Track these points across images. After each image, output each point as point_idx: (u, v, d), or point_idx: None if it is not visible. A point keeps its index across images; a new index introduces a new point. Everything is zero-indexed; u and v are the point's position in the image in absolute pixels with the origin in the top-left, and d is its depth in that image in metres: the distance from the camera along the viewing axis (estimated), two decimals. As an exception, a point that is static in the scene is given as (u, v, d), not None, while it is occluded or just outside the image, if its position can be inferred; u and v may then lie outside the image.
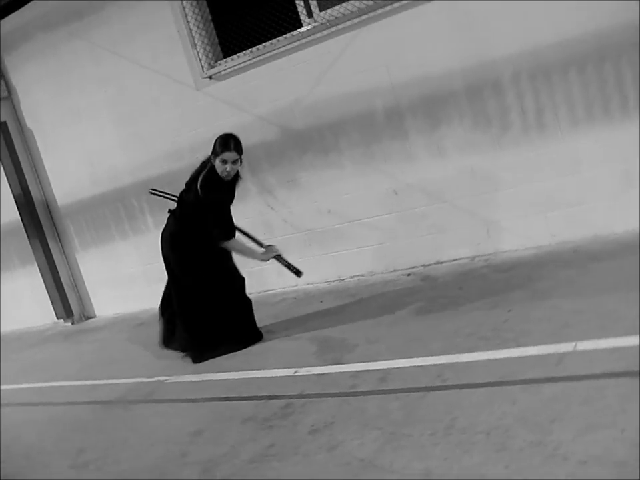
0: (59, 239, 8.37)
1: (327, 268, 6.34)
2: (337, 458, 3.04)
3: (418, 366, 3.80)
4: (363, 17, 5.65)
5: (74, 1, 7.06)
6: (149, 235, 7.54)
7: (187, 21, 6.47)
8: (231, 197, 4.91)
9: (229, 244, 4.88)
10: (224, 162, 4.66)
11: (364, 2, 5.57)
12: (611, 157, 4.98)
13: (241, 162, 4.78)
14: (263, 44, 6.18)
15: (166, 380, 4.98)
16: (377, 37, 5.64)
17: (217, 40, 6.64)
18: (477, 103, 5.37)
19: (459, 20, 5.30)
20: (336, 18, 5.74)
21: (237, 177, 4.91)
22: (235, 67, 6.37)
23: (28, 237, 8.26)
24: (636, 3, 4.62)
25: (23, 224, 8.26)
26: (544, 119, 5.16)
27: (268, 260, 5.07)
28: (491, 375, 3.38)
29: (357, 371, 4.00)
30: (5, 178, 8.14)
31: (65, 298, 8.35)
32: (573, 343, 3.42)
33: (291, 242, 6.29)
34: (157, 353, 5.63)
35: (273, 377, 4.31)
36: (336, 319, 5.19)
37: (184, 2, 6.44)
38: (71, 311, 8.40)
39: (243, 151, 4.77)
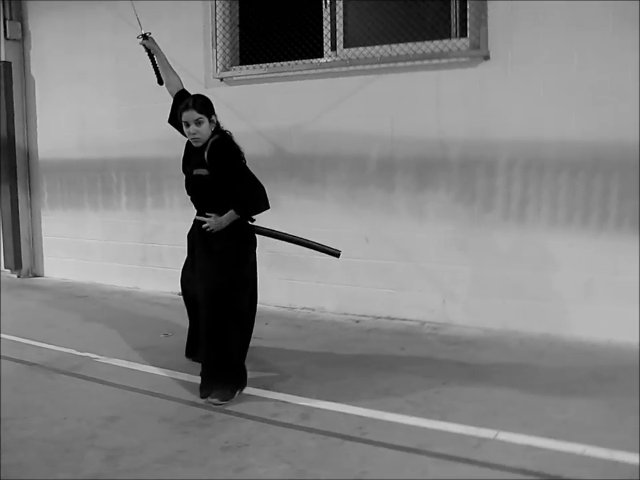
0: (30, 191, 8.31)
1: (281, 293, 6.37)
2: (241, 480, 3.06)
3: (342, 412, 3.83)
4: (383, 65, 5.76)
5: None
6: (119, 212, 7.55)
7: (215, 19, 6.56)
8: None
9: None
10: (186, 124, 4.13)
11: (388, 52, 5.69)
12: (579, 263, 5.11)
13: (210, 122, 4.16)
14: (281, 62, 6.26)
15: (95, 358, 4.96)
16: (390, 87, 5.76)
17: (238, 45, 6.72)
18: (467, 177, 5.49)
19: (471, 92, 5.43)
20: (357, 58, 5.85)
21: (220, 145, 4.19)
22: (248, 77, 6.45)
23: (-1, 182, 8.20)
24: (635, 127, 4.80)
25: (-3, 167, 8.19)
26: (526, 210, 5.29)
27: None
28: (409, 440, 3.42)
29: (282, 401, 4.02)
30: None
31: (19, 250, 8.26)
32: (495, 431, 3.48)
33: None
34: (93, 329, 5.59)
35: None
36: (276, 345, 5.22)
37: (214, 1, 6.53)
38: (21, 264, 8.31)
39: (213, 110, 4.22)
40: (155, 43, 4.75)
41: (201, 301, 4.22)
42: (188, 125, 4.14)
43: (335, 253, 4.88)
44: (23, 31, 8.05)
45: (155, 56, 4.76)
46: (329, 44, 6.07)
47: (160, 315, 6.24)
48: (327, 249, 4.88)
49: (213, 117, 4.22)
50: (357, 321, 5.90)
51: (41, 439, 3.55)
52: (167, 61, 4.74)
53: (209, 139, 4.18)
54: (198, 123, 4.11)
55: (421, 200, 5.69)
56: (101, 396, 4.25)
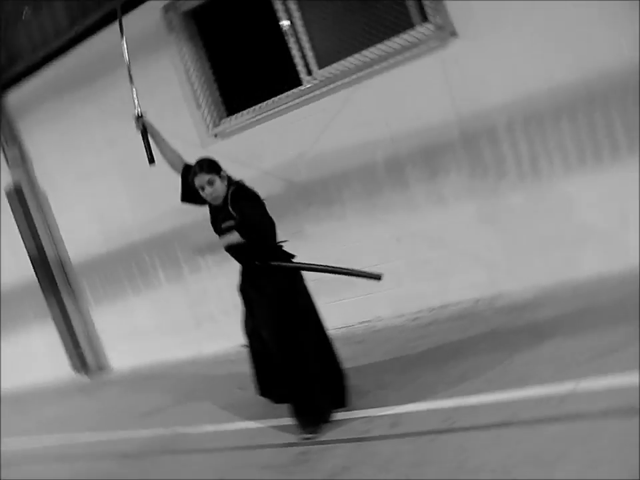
0: (74, 295, 8.57)
1: (334, 316, 6.46)
2: (354, 502, 3.20)
3: (427, 410, 3.96)
4: (360, 74, 5.91)
5: (83, 67, 7.39)
6: (161, 288, 7.76)
7: (191, 83, 6.77)
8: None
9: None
10: (201, 189, 4.38)
11: (361, 59, 5.84)
12: (604, 199, 5.17)
13: (221, 178, 4.37)
14: (265, 102, 6.45)
15: (183, 431, 5.13)
16: (374, 92, 5.88)
17: (220, 99, 6.92)
18: (473, 152, 5.60)
19: (453, 73, 5.54)
20: (334, 75, 6.01)
21: (238, 194, 4.41)
22: (239, 125, 6.64)
23: (43, 293, 8.48)
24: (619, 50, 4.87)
25: (39, 281, 8.48)
26: (539, 165, 5.37)
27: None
28: (496, 416, 3.54)
29: (369, 417, 4.16)
30: (22, 239, 8.38)
31: (80, 351, 8.52)
32: (574, 383, 3.58)
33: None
34: (173, 404, 5.77)
35: (287, 425, 4.45)
36: (346, 366, 5.33)
37: (187, 64, 6.74)
38: (87, 364, 8.57)
39: (220, 167, 4.44)
40: (150, 123, 4.85)
41: (271, 344, 4.39)
42: (203, 189, 4.36)
43: (376, 277, 4.59)
44: (22, 154, 8.35)
45: (150, 135, 4.83)
46: (304, 70, 6.23)
47: (230, 371, 6.40)
48: (366, 274, 4.69)
49: (222, 173, 4.42)
50: (414, 319, 6.00)
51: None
52: (162, 138, 4.87)
53: (226, 193, 4.38)
54: (210, 183, 4.33)
55: (437, 187, 5.80)
56: (201, 463, 4.42)
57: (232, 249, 4.48)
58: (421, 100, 5.71)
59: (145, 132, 4.82)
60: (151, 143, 4.84)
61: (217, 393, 5.84)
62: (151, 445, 5.09)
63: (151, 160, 4.83)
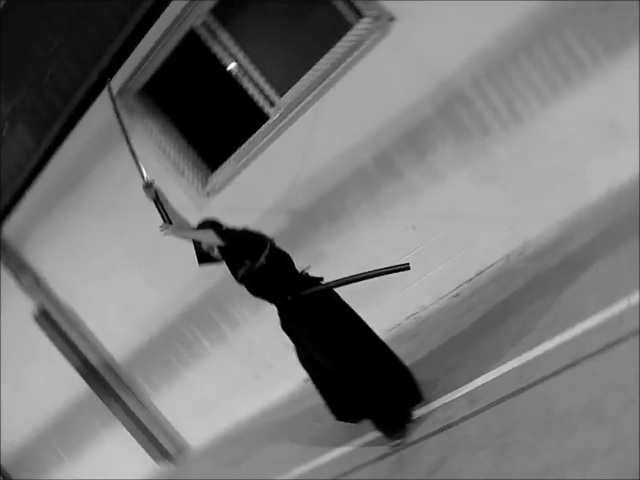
0: (131, 390, 8.64)
1: (380, 319, 6.51)
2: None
3: (497, 376, 3.99)
4: (320, 87, 5.98)
5: (63, 177, 7.52)
6: (209, 355, 7.83)
7: (167, 154, 6.87)
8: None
9: None
10: (211, 250, 4.54)
11: (315, 74, 5.92)
12: (589, 116, 5.19)
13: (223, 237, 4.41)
14: (242, 147, 6.53)
15: (279, 478, 5.17)
16: (340, 99, 5.94)
17: (199, 159, 7.01)
18: (451, 120, 5.64)
19: (404, 51, 5.59)
20: (296, 98, 6.08)
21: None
22: (226, 177, 6.72)
23: (102, 400, 8.56)
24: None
25: (94, 390, 8.57)
26: (516, 107, 5.40)
27: None
28: (563, 359, 3.57)
29: (446, 403, 4.19)
30: (62, 356, 8.50)
31: (157, 441, 8.58)
32: (626, 300, 3.60)
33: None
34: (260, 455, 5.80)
35: (374, 438, 4.48)
36: (408, 363, 5.36)
37: (158, 138, 6.84)
38: (167, 452, 8.61)
39: (219, 224, 4.63)
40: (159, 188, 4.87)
41: (330, 368, 4.45)
42: (213, 249, 4.51)
43: (404, 267, 4.62)
44: (35, 276, 8.46)
45: (160, 203, 4.82)
46: (267, 103, 6.32)
47: (303, 408, 6.42)
48: (395, 268, 4.69)
49: (224, 228, 4.53)
50: (455, 296, 6.03)
51: None
52: (171, 206, 4.90)
53: None
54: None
55: (430, 165, 5.84)
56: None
57: (262, 292, 4.56)
58: (385, 90, 5.77)
59: (157, 198, 4.82)
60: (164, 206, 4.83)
61: (298, 433, 5.87)
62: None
63: (169, 221, 4.77)
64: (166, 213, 4.81)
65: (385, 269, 4.71)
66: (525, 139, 5.46)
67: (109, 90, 5.48)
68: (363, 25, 5.67)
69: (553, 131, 5.36)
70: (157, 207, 4.82)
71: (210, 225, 4.55)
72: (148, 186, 4.83)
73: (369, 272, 4.72)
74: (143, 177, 4.88)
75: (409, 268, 4.60)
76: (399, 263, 4.67)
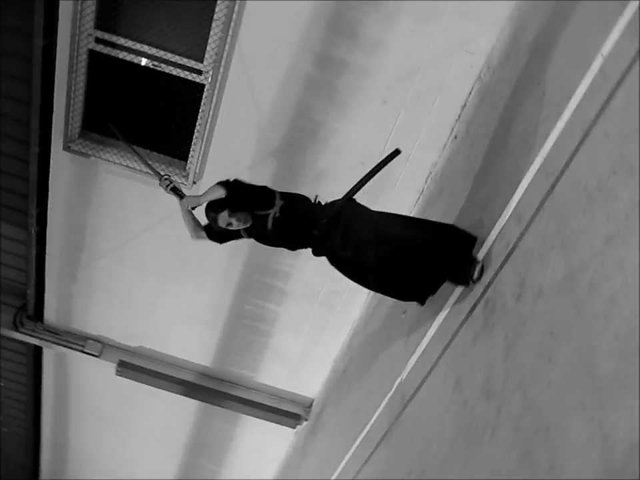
0: (235, 384, 8.93)
1: (404, 197, 6.60)
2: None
3: (528, 185, 4.02)
4: (230, 32, 5.90)
5: (67, 240, 7.67)
6: (280, 315, 8.02)
7: (140, 170, 6.91)
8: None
9: None
10: (229, 225, 4.52)
11: (218, 23, 5.88)
12: None
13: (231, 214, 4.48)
14: (196, 125, 6.54)
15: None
16: (255, 31, 5.92)
17: (168, 157, 7.04)
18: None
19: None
20: (215, 53, 6.04)
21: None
22: (199, 159, 6.73)
23: (218, 405, 8.91)
24: None
25: (205, 402, 8.92)
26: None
27: None
28: (576, 136, 3.59)
29: (499, 233, 4.24)
30: (162, 390, 8.78)
31: (282, 411, 8.88)
32: (599, 57, 3.57)
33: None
34: (382, 367, 5.95)
35: (460, 291, 4.60)
36: (449, 218, 5.28)
37: (122, 162, 6.88)
38: (296, 414, 8.91)
39: (223, 199, 4.51)
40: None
41: (381, 261, 4.52)
42: (231, 224, 4.51)
43: (396, 153, 4.63)
44: (97, 339, 8.72)
45: (175, 186, 4.86)
46: (195, 74, 6.26)
47: (384, 312, 6.52)
48: (387, 159, 4.65)
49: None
50: (455, 137, 6.03)
51: None
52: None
53: None
54: (231, 215, 4.47)
55: (366, 40, 5.81)
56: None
57: (291, 242, 4.73)
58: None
59: (174, 188, 4.84)
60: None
61: (392, 333, 5.96)
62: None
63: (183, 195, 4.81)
64: (180, 190, 4.84)
65: (381, 162, 4.65)
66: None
67: (113, 130, 5.78)
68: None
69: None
70: (176, 194, 4.81)
71: (218, 203, 4.52)
72: (162, 178, 4.87)
73: (371, 171, 4.65)
74: (159, 174, 4.97)
75: (399, 151, 4.63)
76: (391, 152, 4.66)
